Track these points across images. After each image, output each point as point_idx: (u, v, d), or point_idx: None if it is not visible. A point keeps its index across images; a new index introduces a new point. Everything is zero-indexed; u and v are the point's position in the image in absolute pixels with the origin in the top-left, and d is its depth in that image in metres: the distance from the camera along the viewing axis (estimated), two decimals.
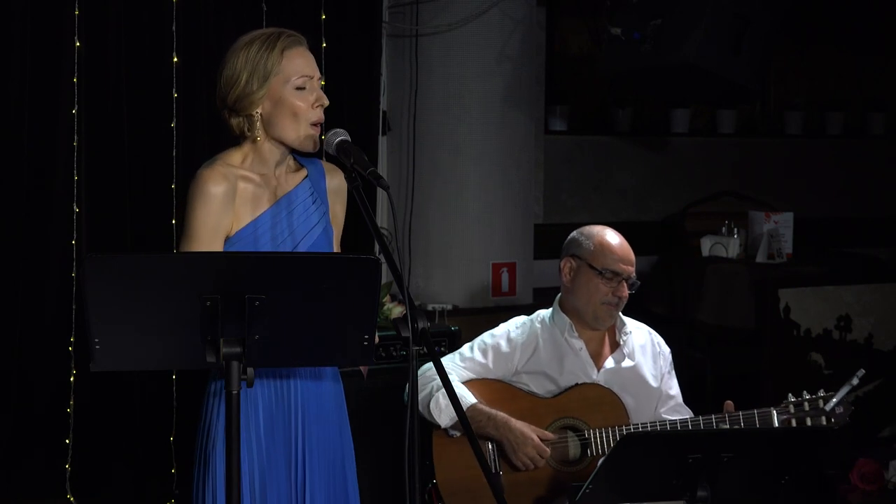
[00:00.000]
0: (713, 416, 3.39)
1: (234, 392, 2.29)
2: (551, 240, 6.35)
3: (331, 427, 2.90)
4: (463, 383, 3.44)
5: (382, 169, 5.69)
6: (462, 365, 3.50)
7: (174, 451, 4.92)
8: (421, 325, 2.40)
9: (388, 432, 4.22)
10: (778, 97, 7.43)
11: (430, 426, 3.42)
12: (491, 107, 5.56)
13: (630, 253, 3.53)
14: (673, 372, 3.65)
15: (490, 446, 3.40)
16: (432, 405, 3.36)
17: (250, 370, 2.30)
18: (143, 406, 4.94)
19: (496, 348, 3.52)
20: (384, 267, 2.52)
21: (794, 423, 3.35)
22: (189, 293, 2.24)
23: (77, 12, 4.75)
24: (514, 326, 3.58)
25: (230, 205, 2.76)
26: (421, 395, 3.38)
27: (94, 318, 2.24)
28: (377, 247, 3.29)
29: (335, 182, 2.93)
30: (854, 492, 5.02)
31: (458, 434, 3.39)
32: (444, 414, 3.36)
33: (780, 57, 6.99)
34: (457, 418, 3.30)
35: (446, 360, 3.50)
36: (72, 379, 4.79)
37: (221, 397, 2.80)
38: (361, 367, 4.33)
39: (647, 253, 6.45)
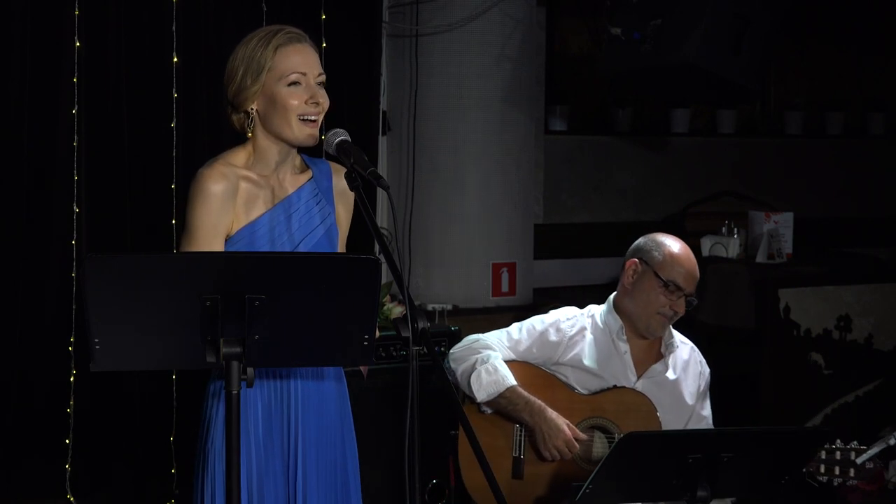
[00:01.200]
0: None
1: (234, 392, 2.29)
2: (551, 240, 6.37)
3: (332, 428, 2.89)
4: (505, 361, 3.44)
5: (382, 169, 5.69)
6: (507, 345, 3.50)
7: (174, 451, 4.92)
8: (421, 325, 2.40)
9: (388, 432, 4.22)
10: (778, 97, 7.43)
11: (461, 398, 3.43)
12: (491, 107, 5.56)
13: (696, 271, 3.53)
14: (708, 394, 3.64)
15: (517, 429, 3.42)
16: (473, 378, 3.38)
17: (250, 370, 2.30)
18: (143, 406, 4.94)
19: (544, 335, 3.51)
20: (384, 267, 2.51)
21: (822, 468, 3.35)
22: (189, 293, 2.24)
23: (77, 12, 4.75)
24: (564, 317, 3.57)
25: (230, 204, 2.76)
26: (462, 366, 3.42)
27: (94, 318, 2.23)
28: (377, 247, 3.29)
29: (342, 183, 2.89)
30: (854, 492, 5.02)
31: (490, 412, 3.41)
32: (483, 389, 3.37)
33: (780, 57, 7.00)
34: (494, 395, 3.36)
35: (493, 335, 3.51)
36: (72, 379, 4.79)
37: (220, 398, 2.80)
38: (361, 367, 4.35)
39: None
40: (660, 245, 3.53)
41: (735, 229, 5.84)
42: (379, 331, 2.96)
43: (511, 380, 3.38)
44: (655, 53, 4.74)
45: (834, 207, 7.30)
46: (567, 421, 3.37)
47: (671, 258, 3.49)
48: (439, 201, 5.59)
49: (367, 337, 2.37)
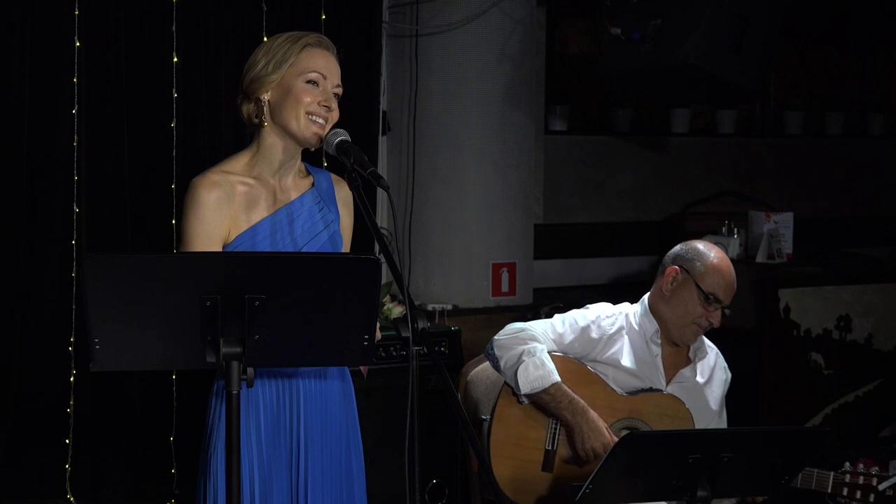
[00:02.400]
0: None
1: (234, 392, 2.29)
2: (551, 240, 6.37)
3: (337, 428, 2.89)
4: (549, 353, 3.45)
5: (382, 169, 5.69)
6: (552, 337, 3.50)
7: (174, 451, 4.92)
8: (421, 325, 2.40)
9: (389, 432, 4.22)
10: (778, 97, 7.43)
11: (500, 384, 3.45)
12: (491, 107, 5.56)
13: (735, 283, 3.54)
14: (724, 398, 3.65)
15: (552, 422, 3.43)
16: (521, 371, 3.38)
17: (250, 370, 2.30)
18: (143, 406, 4.94)
19: (586, 331, 3.51)
20: (384, 267, 2.51)
21: (845, 491, 3.36)
22: (189, 293, 2.24)
23: (77, 12, 4.75)
24: (604, 315, 3.56)
25: (224, 211, 2.75)
26: (508, 354, 3.42)
27: (94, 318, 2.23)
28: (377, 247, 3.29)
29: (344, 192, 2.92)
30: None
31: (527, 402, 3.43)
32: (528, 383, 3.37)
33: (780, 57, 7.00)
34: (538, 390, 3.37)
35: (538, 326, 3.51)
36: (72, 379, 4.79)
37: (222, 397, 2.80)
38: (361, 367, 4.35)
39: (647, 253, 6.47)
40: (702, 255, 3.52)
41: (735, 229, 5.84)
42: (379, 331, 2.95)
43: (556, 376, 3.39)
44: (655, 53, 4.74)
45: (834, 207, 7.31)
46: (605, 424, 3.38)
47: (713, 270, 3.50)
48: (439, 201, 5.59)
49: (367, 337, 2.37)
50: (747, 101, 7.04)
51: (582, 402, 3.38)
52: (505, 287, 5.64)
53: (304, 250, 2.82)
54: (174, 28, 4.90)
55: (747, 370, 5.50)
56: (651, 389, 3.49)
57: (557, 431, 3.43)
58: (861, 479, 3.38)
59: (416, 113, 5.54)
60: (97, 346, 2.26)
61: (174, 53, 4.90)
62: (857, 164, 7.42)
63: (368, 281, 2.33)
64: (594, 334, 3.52)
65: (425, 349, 2.41)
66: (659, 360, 3.52)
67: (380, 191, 4.98)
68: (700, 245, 3.57)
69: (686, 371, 3.55)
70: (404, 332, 2.40)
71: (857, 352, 5.55)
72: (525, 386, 3.38)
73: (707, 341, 3.64)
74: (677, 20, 4.67)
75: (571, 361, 3.50)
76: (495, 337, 3.51)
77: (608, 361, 3.51)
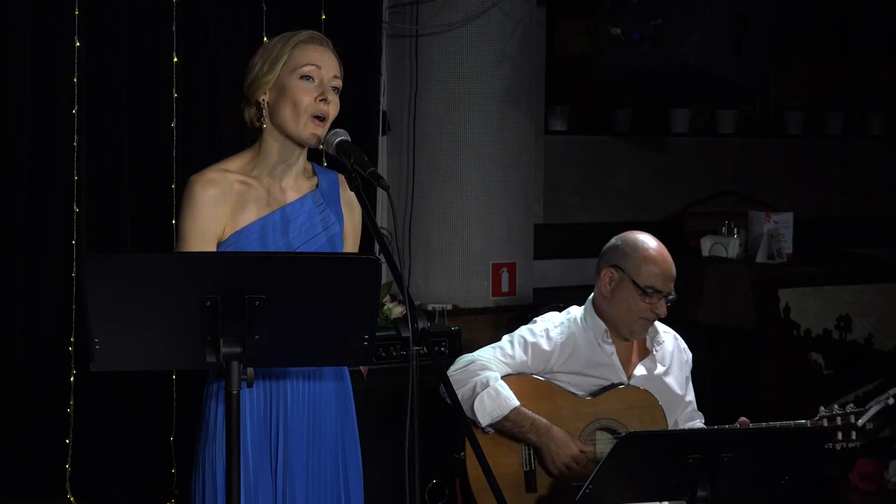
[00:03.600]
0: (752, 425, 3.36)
1: (234, 392, 2.29)
2: (551, 240, 6.36)
3: (328, 430, 2.86)
4: (503, 378, 3.41)
5: (382, 169, 5.69)
6: (503, 360, 3.46)
7: (174, 451, 4.92)
8: (421, 325, 2.39)
9: (388, 432, 4.21)
10: (778, 97, 7.43)
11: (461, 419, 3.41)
12: (491, 107, 5.56)
13: (673, 268, 3.47)
14: (690, 376, 3.63)
15: (524, 444, 3.40)
16: (476, 404, 3.34)
17: (250, 370, 2.30)
18: (143, 406, 4.94)
19: (536, 346, 3.48)
20: (384, 267, 2.51)
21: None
22: (189, 293, 2.24)
23: (77, 12, 4.75)
24: (552, 325, 3.53)
25: (221, 209, 2.75)
26: (462, 390, 3.36)
27: (94, 318, 2.23)
28: (377, 247, 3.29)
29: (348, 194, 2.89)
30: (854, 492, 5.03)
31: (493, 431, 3.39)
32: (486, 415, 3.33)
33: (780, 57, 6.99)
34: (498, 418, 3.32)
35: (487, 352, 3.47)
36: (72, 379, 4.79)
37: (216, 399, 2.80)
38: (361, 367, 4.35)
39: None
40: (634, 249, 3.47)
41: (735, 229, 5.84)
42: (379, 331, 2.94)
43: (514, 401, 3.35)
44: (655, 53, 4.74)
45: (834, 207, 7.30)
46: (571, 436, 3.36)
47: (647, 262, 3.44)
48: (439, 201, 5.59)
49: (367, 337, 2.36)
50: (747, 101, 7.04)
51: (544, 421, 3.35)
52: (505, 287, 5.64)
53: (300, 250, 2.81)
54: (174, 28, 4.90)
55: (747, 370, 5.51)
56: (613, 385, 3.46)
57: (531, 451, 3.40)
58: (839, 420, 3.35)
59: (416, 113, 5.54)
60: (97, 346, 2.26)
61: (174, 53, 4.90)
62: (857, 164, 7.42)
63: (368, 281, 2.33)
64: (546, 347, 3.48)
65: (425, 349, 2.40)
66: (615, 358, 3.49)
67: (380, 191, 4.97)
68: (630, 237, 3.52)
69: (646, 362, 3.52)
70: (404, 332, 2.39)
71: (857, 352, 5.55)
72: (484, 418, 3.34)
73: (662, 327, 3.60)
74: (677, 20, 4.67)
75: (528, 379, 3.46)
76: (447, 373, 3.44)
77: (567, 370, 3.47)
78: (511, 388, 3.39)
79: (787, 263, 5.70)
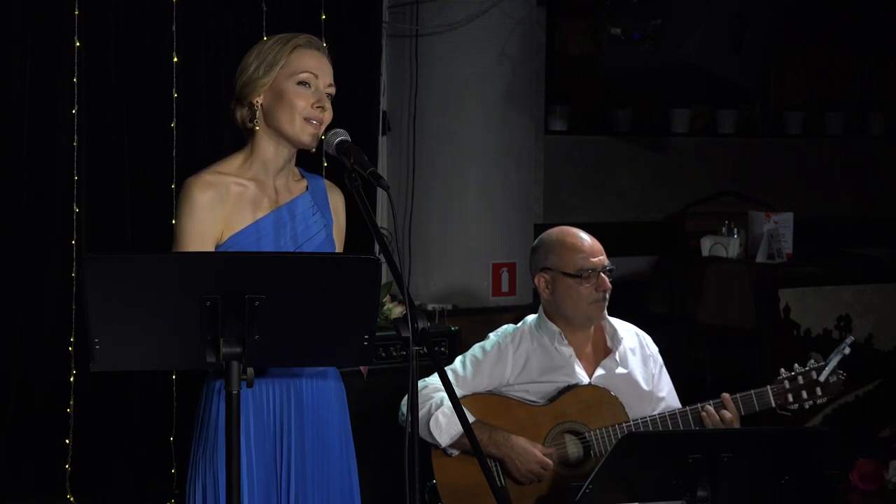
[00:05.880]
0: (711, 402, 3.37)
1: (234, 392, 2.29)
2: None
3: (331, 430, 2.87)
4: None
5: (382, 169, 5.69)
6: (455, 382, 3.44)
7: (174, 451, 4.92)
8: (421, 325, 2.39)
9: (388, 432, 4.21)
10: (778, 97, 7.43)
11: (429, 447, 3.38)
12: (491, 107, 5.56)
13: (595, 242, 3.47)
14: (664, 371, 3.60)
15: (490, 462, 3.37)
16: (432, 424, 3.33)
17: (250, 370, 2.30)
18: (143, 406, 4.94)
19: (488, 364, 3.48)
20: (384, 267, 2.52)
21: (790, 398, 3.34)
22: (189, 293, 2.24)
23: (77, 12, 4.75)
24: (503, 337, 3.53)
25: (218, 211, 2.75)
26: (419, 414, 3.34)
27: (94, 318, 2.23)
28: (377, 247, 3.29)
29: (336, 198, 2.93)
30: (854, 492, 5.02)
31: (457, 452, 3.38)
32: (444, 433, 3.33)
33: (780, 57, 6.99)
34: (456, 437, 3.31)
35: (436, 379, 3.44)
36: (72, 379, 4.79)
37: (212, 399, 2.80)
38: (361, 367, 4.35)
39: (647, 253, 6.46)
40: (551, 245, 3.48)
41: (735, 229, 5.84)
42: (379, 331, 2.94)
43: (469, 416, 3.33)
44: (655, 53, 4.74)
45: (834, 207, 7.30)
46: (532, 442, 3.35)
47: (564, 248, 3.44)
48: (439, 201, 5.59)
49: (367, 337, 2.36)
50: (747, 101, 7.04)
51: (503, 432, 3.34)
52: (505, 287, 5.64)
53: (303, 246, 2.82)
54: (174, 28, 4.90)
55: (747, 370, 5.51)
56: (568, 388, 3.44)
57: (497, 467, 3.38)
58: (801, 379, 3.35)
59: (416, 113, 5.54)
60: (97, 346, 2.26)
61: (174, 53, 4.90)
62: (857, 164, 7.42)
63: (368, 281, 2.33)
64: (497, 362, 3.48)
65: (425, 349, 2.40)
66: (574, 360, 3.47)
67: (380, 191, 4.97)
68: (544, 236, 3.53)
69: (607, 362, 3.50)
70: (404, 332, 2.39)
71: (857, 352, 5.54)
72: (443, 437, 3.33)
73: (622, 325, 3.57)
74: (677, 20, 4.67)
75: (482, 398, 3.45)
76: (402, 401, 3.44)
77: (523, 380, 3.47)
78: (466, 409, 3.38)
79: (787, 263, 5.70)
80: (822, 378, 3.33)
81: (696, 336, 5.85)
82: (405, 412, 3.40)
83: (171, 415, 4.92)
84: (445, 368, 3.47)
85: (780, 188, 7.03)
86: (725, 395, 3.37)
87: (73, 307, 4.76)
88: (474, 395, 3.46)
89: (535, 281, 3.51)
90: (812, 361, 3.39)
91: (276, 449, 2.80)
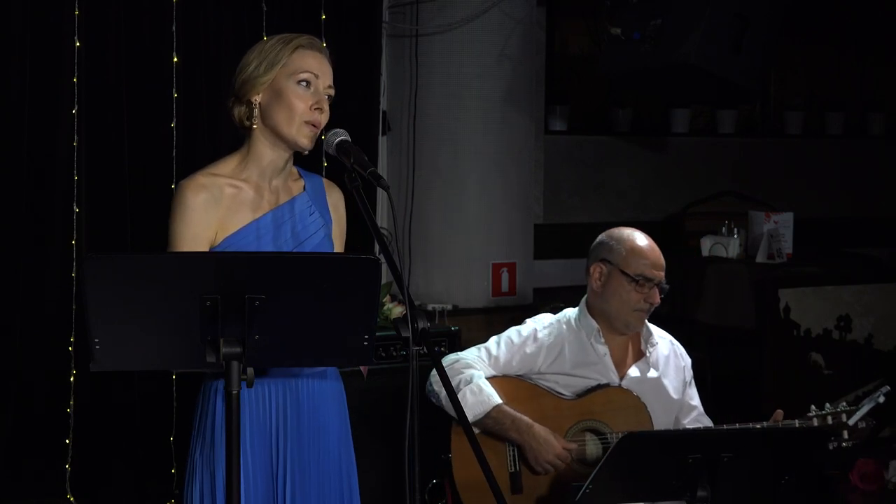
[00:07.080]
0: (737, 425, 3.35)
1: (234, 392, 2.29)
2: (551, 240, 6.37)
3: (330, 431, 2.86)
4: (487, 379, 3.40)
5: (382, 169, 5.69)
6: (487, 362, 3.46)
7: (174, 451, 4.92)
8: (421, 325, 2.39)
9: (388, 432, 4.22)
10: (778, 97, 7.43)
11: (448, 420, 3.38)
12: (491, 107, 5.56)
13: (661, 257, 3.48)
14: (693, 382, 3.61)
15: (508, 444, 3.39)
16: (459, 399, 3.31)
17: (250, 370, 2.30)
18: (143, 406, 4.94)
19: (522, 347, 3.48)
20: (384, 267, 2.51)
21: None
22: (189, 293, 2.23)
23: (77, 12, 4.75)
24: (541, 326, 3.53)
25: (212, 213, 2.74)
26: (446, 388, 3.36)
27: (94, 318, 2.23)
28: (377, 247, 3.29)
29: (334, 198, 2.92)
30: (854, 492, 5.02)
31: (478, 431, 3.37)
32: (469, 411, 3.31)
33: (780, 57, 6.99)
34: (480, 416, 3.32)
35: (472, 353, 3.47)
36: (72, 379, 4.79)
37: (209, 400, 2.80)
38: (361, 367, 4.35)
39: None
40: (620, 241, 3.48)
41: (735, 229, 5.84)
42: (379, 331, 2.94)
43: (496, 399, 3.34)
44: (655, 53, 4.74)
45: (834, 207, 7.31)
46: (554, 433, 3.35)
47: (634, 252, 3.45)
48: (439, 201, 5.59)
49: (366, 337, 2.36)
50: (747, 101, 7.04)
51: (526, 419, 3.34)
52: (505, 287, 5.64)
53: (304, 244, 2.81)
54: (174, 28, 4.90)
55: (747, 370, 5.51)
56: (599, 386, 3.45)
57: (515, 451, 3.39)
58: (830, 419, 3.33)
59: (416, 113, 5.54)
60: (97, 346, 2.25)
61: (174, 53, 4.90)
62: (857, 164, 7.42)
63: (368, 281, 2.33)
64: (531, 349, 3.48)
65: (425, 349, 2.40)
66: (608, 359, 3.48)
67: (380, 191, 4.97)
68: (615, 231, 3.53)
69: (640, 365, 3.51)
70: (404, 332, 2.39)
71: (857, 352, 5.55)
72: (468, 415, 3.30)
73: (658, 332, 3.59)
74: (677, 20, 4.67)
75: (511, 381, 3.46)
76: (432, 373, 3.44)
77: (553, 371, 3.47)
78: (494, 390, 3.38)
79: (787, 263, 5.70)
80: (851, 422, 3.31)
81: (696, 336, 5.85)
82: (434, 387, 3.41)
83: (170, 415, 4.92)
84: (480, 346, 3.51)
85: (780, 188, 7.03)
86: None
87: (73, 307, 4.76)
88: (505, 377, 3.46)
89: (591, 269, 3.50)
90: (844, 404, 3.37)
91: (274, 449, 2.80)
